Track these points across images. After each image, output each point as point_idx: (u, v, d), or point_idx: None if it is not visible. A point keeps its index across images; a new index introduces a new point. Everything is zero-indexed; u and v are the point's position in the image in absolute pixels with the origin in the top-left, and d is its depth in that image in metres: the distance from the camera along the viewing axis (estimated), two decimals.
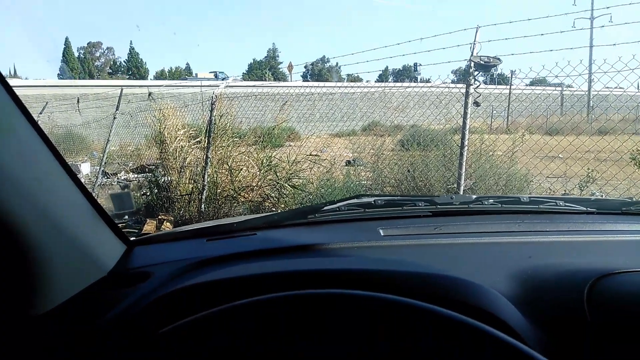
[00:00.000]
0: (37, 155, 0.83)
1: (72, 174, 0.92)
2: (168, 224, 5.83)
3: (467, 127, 4.35)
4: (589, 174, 5.19)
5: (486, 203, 1.34)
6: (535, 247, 1.07)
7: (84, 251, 0.90)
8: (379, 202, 1.32)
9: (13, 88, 0.79)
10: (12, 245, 0.74)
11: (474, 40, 4.42)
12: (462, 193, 4.39)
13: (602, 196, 5.48)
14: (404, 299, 0.74)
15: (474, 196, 1.37)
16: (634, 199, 4.62)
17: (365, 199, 1.35)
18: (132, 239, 1.16)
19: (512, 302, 0.83)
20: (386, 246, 1.08)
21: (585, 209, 1.32)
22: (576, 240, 1.12)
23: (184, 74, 59.79)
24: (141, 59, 59.78)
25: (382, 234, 1.13)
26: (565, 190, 5.46)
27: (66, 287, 0.85)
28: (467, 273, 0.88)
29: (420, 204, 1.32)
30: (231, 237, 1.17)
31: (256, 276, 0.91)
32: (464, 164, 4.38)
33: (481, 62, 4.27)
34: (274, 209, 5.75)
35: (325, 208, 1.29)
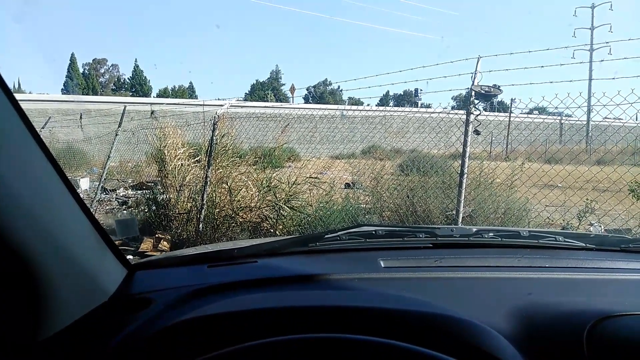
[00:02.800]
0: (41, 176, 0.82)
1: (76, 195, 0.91)
2: (165, 242, 5.80)
3: (467, 154, 4.38)
4: (588, 205, 5.20)
5: (486, 236, 1.34)
6: (535, 284, 1.07)
7: (86, 276, 0.89)
8: (380, 232, 1.32)
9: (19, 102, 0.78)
10: (15, 269, 0.74)
11: (475, 70, 4.49)
12: (460, 220, 4.39)
13: (600, 227, 5.47)
14: (410, 346, 0.74)
15: (474, 229, 1.37)
16: (633, 234, 4.61)
17: (365, 229, 1.35)
18: (129, 257, 1.15)
19: (511, 342, 0.82)
20: (386, 278, 1.08)
21: (584, 245, 1.32)
22: (576, 277, 1.12)
23: (187, 92, 60.38)
24: (145, 77, 60.36)
25: (382, 266, 1.13)
26: (563, 220, 5.46)
27: (68, 312, 0.84)
28: (467, 310, 0.88)
29: (420, 236, 1.32)
30: (232, 264, 1.17)
31: (258, 311, 0.90)
32: (463, 191, 4.39)
33: (482, 91, 4.32)
34: (271, 230, 5.72)
35: (326, 237, 1.29)
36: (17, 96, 0.78)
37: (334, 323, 0.84)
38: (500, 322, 0.87)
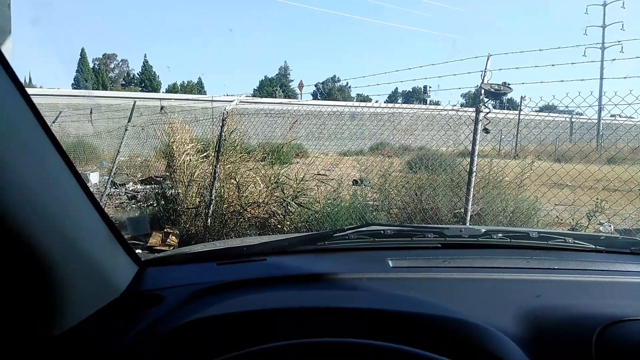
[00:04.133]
0: (53, 170, 0.82)
1: (87, 190, 0.91)
2: (174, 237, 5.84)
3: (476, 152, 4.35)
4: (598, 204, 5.15)
5: (495, 237, 1.34)
6: (544, 286, 1.06)
7: (98, 272, 0.89)
8: (389, 231, 1.32)
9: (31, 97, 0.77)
10: (27, 265, 0.74)
11: (485, 68, 4.46)
12: (469, 218, 4.37)
13: (610, 227, 5.42)
14: (418, 350, 0.74)
15: (483, 229, 1.36)
16: None
17: (374, 228, 1.35)
18: (138, 252, 1.15)
19: (519, 345, 0.82)
20: (395, 278, 1.08)
21: (594, 247, 1.31)
22: (585, 280, 1.11)
23: (196, 88, 60.56)
24: (154, 72, 60.58)
25: (391, 265, 1.13)
26: (573, 220, 5.41)
27: (79, 309, 0.84)
28: (475, 312, 0.88)
29: (429, 235, 1.32)
30: (241, 261, 1.17)
31: (269, 311, 0.91)
32: (472, 189, 4.36)
33: (492, 89, 4.29)
34: (279, 227, 5.74)
35: (334, 235, 1.30)
36: (29, 90, 0.78)
37: (343, 325, 0.85)
38: (508, 324, 0.87)
